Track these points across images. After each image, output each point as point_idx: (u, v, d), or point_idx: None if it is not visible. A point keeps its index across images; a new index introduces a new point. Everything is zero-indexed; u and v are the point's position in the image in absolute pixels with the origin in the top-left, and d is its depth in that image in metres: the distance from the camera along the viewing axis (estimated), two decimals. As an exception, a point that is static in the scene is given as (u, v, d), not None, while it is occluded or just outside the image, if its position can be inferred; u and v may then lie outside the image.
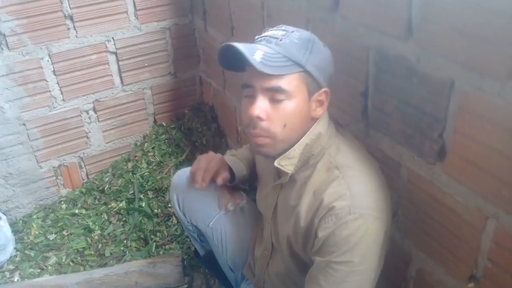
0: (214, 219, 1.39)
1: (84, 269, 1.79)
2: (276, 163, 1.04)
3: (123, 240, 1.88)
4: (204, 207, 1.39)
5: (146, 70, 2.13)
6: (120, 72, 2.06)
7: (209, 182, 1.30)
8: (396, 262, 1.25)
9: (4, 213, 1.96)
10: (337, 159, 1.01)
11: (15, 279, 1.79)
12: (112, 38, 1.97)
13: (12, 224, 1.98)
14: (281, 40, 0.96)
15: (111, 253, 1.83)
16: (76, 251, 1.87)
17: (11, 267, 1.84)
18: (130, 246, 1.86)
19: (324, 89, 1.01)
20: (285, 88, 0.95)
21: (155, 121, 2.28)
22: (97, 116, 2.09)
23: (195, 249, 1.58)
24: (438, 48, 0.94)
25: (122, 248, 1.85)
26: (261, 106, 0.97)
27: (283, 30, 1.00)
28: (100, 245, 1.88)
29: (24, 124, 1.92)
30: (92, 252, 1.86)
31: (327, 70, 1.01)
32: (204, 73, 2.24)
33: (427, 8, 0.94)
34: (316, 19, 1.28)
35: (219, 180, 1.28)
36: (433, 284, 1.16)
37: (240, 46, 0.93)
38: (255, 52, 0.93)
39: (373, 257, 0.97)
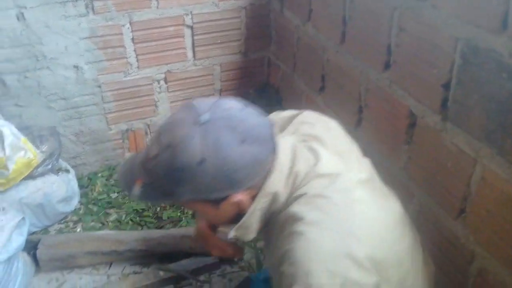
0: None
1: (142, 229, 1.87)
2: (231, 234, 0.93)
3: (180, 207, 1.95)
4: None
5: (218, 47, 2.17)
6: (193, 46, 2.11)
7: None
8: (458, 260, 1.24)
9: (72, 168, 2.07)
10: (300, 213, 0.85)
11: (78, 230, 1.90)
12: (191, 12, 2.02)
13: (78, 180, 2.09)
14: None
15: (168, 217, 1.91)
16: (135, 211, 1.96)
17: (75, 218, 1.96)
18: (187, 213, 1.93)
19: (228, 198, 0.87)
20: (192, 209, 1.00)
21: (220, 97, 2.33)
22: (167, 87, 2.16)
23: None
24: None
25: (179, 214, 1.92)
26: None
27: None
28: (158, 208, 1.96)
29: (99, 87, 2.02)
30: (151, 214, 1.94)
31: (215, 189, 0.85)
32: (273, 55, 2.26)
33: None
34: (404, 7, 1.27)
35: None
36: (494, 284, 1.14)
37: (122, 179, 0.97)
38: (134, 185, 0.90)
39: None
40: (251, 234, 0.93)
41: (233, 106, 0.90)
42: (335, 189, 0.89)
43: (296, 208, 0.87)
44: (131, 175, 0.92)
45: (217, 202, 0.88)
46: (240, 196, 0.87)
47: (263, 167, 0.87)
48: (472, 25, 1.06)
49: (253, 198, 0.89)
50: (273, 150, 0.89)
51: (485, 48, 1.04)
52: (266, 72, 2.37)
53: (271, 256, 0.93)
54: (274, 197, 0.89)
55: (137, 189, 0.89)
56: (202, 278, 1.67)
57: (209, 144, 0.83)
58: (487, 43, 1.03)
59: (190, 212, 1.93)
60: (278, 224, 0.90)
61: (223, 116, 0.86)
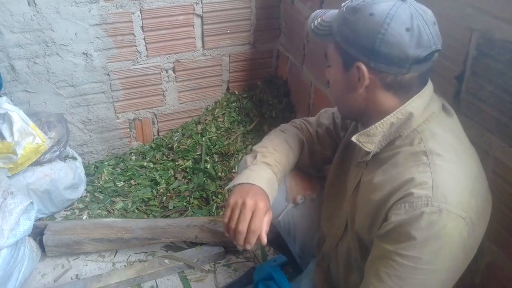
0: (283, 212, 1.35)
1: (148, 218, 1.88)
2: (354, 138, 1.01)
3: (186, 197, 1.95)
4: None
5: (227, 37, 2.17)
6: (203, 36, 2.10)
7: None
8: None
9: (79, 156, 2.07)
10: (429, 144, 0.92)
11: (84, 217, 1.90)
12: (201, 1, 2.01)
13: (85, 168, 2.09)
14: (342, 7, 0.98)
15: (174, 207, 1.91)
16: (141, 200, 1.96)
17: (81, 206, 1.96)
18: (192, 203, 1.93)
19: (356, 63, 0.94)
20: (328, 54, 1.01)
21: (228, 89, 2.32)
22: (175, 76, 2.16)
23: None
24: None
25: (184, 204, 1.92)
26: (327, 69, 1.05)
27: None
28: (164, 198, 1.96)
29: (108, 74, 2.02)
30: (157, 203, 1.94)
31: (361, 42, 0.92)
32: (282, 47, 2.25)
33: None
34: (418, -3, 1.25)
35: (263, 237, 1.06)
36: (503, 279, 1.13)
37: (316, 13, 1.05)
38: (318, 19, 1.02)
39: (448, 259, 0.88)
40: (370, 145, 0.99)
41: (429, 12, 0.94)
42: (462, 134, 0.99)
43: (432, 144, 0.92)
44: (322, 12, 1.04)
45: (349, 64, 0.95)
46: (365, 71, 0.93)
47: (403, 67, 0.91)
48: (489, 16, 1.05)
49: (369, 92, 0.97)
50: (420, 71, 0.94)
51: (500, 39, 1.02)
52: (274, 64, 2.36)
53: (380, 178, 0.97)
54: (409, 118, 0.95)
55: (315, 23, 1.02)
56: (207, 267, 1.67)
57: (390, 12, 0.89)
58: (503, 34, 1.02)
59: (196, 202, 1.92)
60: (404, 150, 0.95)
61: (419, 7, 0.92)
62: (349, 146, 1.19)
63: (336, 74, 1.00)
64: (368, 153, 1.02)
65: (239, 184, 1.12)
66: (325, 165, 1.42)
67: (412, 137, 0.96)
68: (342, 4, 0.98)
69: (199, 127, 2.24)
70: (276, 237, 1.47)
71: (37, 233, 1.70)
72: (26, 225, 1.50)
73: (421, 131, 0.95)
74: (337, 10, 1.00)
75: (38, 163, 1.81)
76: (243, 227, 1.03)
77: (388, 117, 0.97)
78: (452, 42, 1.15)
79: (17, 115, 1.76)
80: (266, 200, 1.08)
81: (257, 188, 1.10)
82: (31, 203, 1.54)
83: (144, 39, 2.01)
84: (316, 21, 1.02)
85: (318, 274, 1.28)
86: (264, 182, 1.12)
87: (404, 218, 0.88)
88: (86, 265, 1.69)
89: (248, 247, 1.05)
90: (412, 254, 0.87)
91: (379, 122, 0.98)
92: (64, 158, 1.96)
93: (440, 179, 0.88)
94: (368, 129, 0.99)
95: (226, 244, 1.72)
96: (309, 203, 1.35)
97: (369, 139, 0.99)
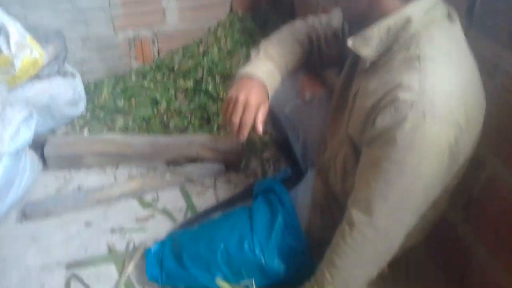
0: (290, 105, 1.37)
1: (149, 135, 1.87)
2: (349, 43, 0.96)
3: (187, 116, 1.94)
4: (283, 91, 1.34)
5: (233, -48, 2.07)
6: (206, -51, 2.01)
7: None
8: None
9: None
10: (424, 49, 0.89)
11: (85, 133, 1.90)
12: None
13: (84, 86, 2.05)
14: None
15: (175, 126, 1.90)
16: (142, 118, 1.95)
17: (81, 122, 1.95)
18: (193, 122, 1.92)
19: None
20: None
21: (231, 9, 2.25)
22: (176, -7, 2.08)
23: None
24: None
25: (185, 123, 1.91)
26: None
27: None
28: (165, 116, 1.95)
29: (106, -12, 1.95)
30: (157, 122, 1.93)
31: None
32: (289, -36, 2.15)
33: None
34: None
35: (258, 126, 1.09)
36: (503, 192, 1.14)
37: None
38: None
39: (433, 164, 0.88)
40: (366, 48, 0.95)
41: None
42: (463, 43, 0.95)
43: (427, 49, 0.89)
44: None
45: None
46: None
47: None
48: None
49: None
50: None
51: None
52: (280, -17, 2.27)
53: (372, 82, 0.95)
54: (407, 22, 0.91)
55: None
56: (207, 182, 1.69)
57: None
58: None
59: (197, 122, 1.91)
60: (398, 56, 0.92)
61: None
62: (354, 61, 1.16)
63: None
64: (366, 61, 0.99)
65: (240, 78, 1.14)
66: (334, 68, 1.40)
67: (409, 43, 0.91)
68: None
69: (201, 48, 2.18)
70: (285, 141, 1.53)
71: (38, 147, 1.70)
72: (26, 134, 1.50)
73: (419, 36, 0.91)
74: None
75: (37, 77, 1.78)
76: (235, 120, 1.09)
77: (385, 20, 0.93)
78: None
79: (14, 28, 1.70)
80: (260, 93, 1.11)
81: (255, 81, 1.12)
82: (31, 113, 1.53)
83: (144, -50, 1.92)
84: None
85: (318, 181, 1.29)
86: (263, 73, 1.14)
87: (389, 123, 0.87)
88: (88, 177, 1.70)
89: (242, 138, 1.10)
90: (397, 158, 0.87)
91: (375, 24, 0.93)
92: (63, 74, 1.92)
93: (428, 83, 0.85)
94: (363, 31, 0.95)
95: (227, 161, 1.73)
96: (317, 102, 1.36)
97: (364, 43, 0.95)
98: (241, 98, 1.09)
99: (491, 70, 1.10)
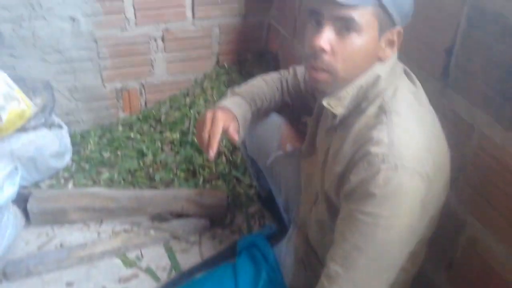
0: (272, 158, 1.40)
1: (134, 189, 1.86)
2: (325, 102, 0.99)
3: (173, 169, 1.94)
4: (265, 143, 1.40)
5: (218, 8, 2.13)
6: (193, 5, 2.06)
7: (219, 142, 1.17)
8: (447, 227, 1.24)
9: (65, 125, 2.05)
10: (389, 104, 0.94)
11: (69, 187, 1.89)
12: (192, -31, 1.97)
13: (71, 137, 2.06)
14: None
15: (160, 179, 1.90)
16: (128, 171, 1.94)
17: (66, 175, 1.94)
18: (179, 175, 1.92)
19: (397, 28, 0.93)
20: (357, 20, 0.87)
21: (217, 61, 2.29)
22: (164, 46, 2.12)
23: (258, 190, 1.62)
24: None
25: (171, 176, 1.91)
26: (326, 37, 0.90)
27: None
28: (151, 169, 1.95)
29: (95, 41, 1.98)
30: (143, 175, 1.93)
31: (404, 6, 0.92)
32: (274, 20, 2.22)
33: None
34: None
35: (232, 134, 1.17)
36: (482, 253, 1.15)
37: None
38: None
39: (406, 214, 0.89)
40: (339, 108, 0.99)
41: None
42: (423, 98, 1.01)
43: (392, 104, 0.94)
44: None
45: (386, 28, 0.92)
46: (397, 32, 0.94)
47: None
48: (480, -13, 1.03)
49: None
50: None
51: (492, 11, 1.01)
52: (265, 38, 2.33)
53: (344, 141, 0.99)
54: (376, 80, 0.96)
55: None
56: (192, 239, 1.67)
57: None
58: (494, 6, 1.01)
59: (182, 175, 1.91)
60: (367, 113, 0.96)
61: None
62: (320, 110, 1.22)
63: (367, 40, 0.91)
64: (335, 118, 1.03)
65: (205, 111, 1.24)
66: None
67: (375, 99, 0.97)
68: None
69: (188, 99, 2.21)
70: (269, 195, 1.57)
71: (22, 201, 1.68)
72: (10, 190, 1.49)
73: (384, 92, 0.96)
74: None
75: (23, 129, 1.78)
76: (205, 134, 1.16)
77: (357, 80, 0.96)
78: (443, 15, 1.14)
79: (2, 80, 1.72)
80: (226, 112, 1.19)
81: (220, 108, 1.21)
82: (15, 168, 1.53)
83: (133, 6, 1.96)
84: None
85: (299, 237, 1.30)
86: (228, 102, 1.24)
87: (363, 176, 0.89)
88: (71, 234, 1.68)
89: (211, 153, 1.14)
90: (372, 210, 0.89)
91: (350, 85, 0.97)
92: (50, 126, 1.93)
93: (396, 136, 0.89)
94: (338, 92, 0.98)
95: (212, 217, 1.72)
96: (298, 155, 1.38)
97: (339, 103, 0.98)
98: (208, 115, 1.17)
99: (468, 130, 1.14)
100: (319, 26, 0.92)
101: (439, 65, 1.18)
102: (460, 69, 1.13)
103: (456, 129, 1.16)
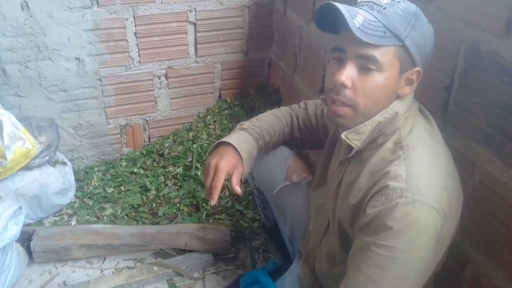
0: (278, 188, 1.42)
1: (137, 224, 1.87)
2: (343, 135, 1.02)
3: (176, 204, 1.95)
4: (272, 174, 1.41)
5: (220, 45, 2.18)
6: (196, 43, 2.11)
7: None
8: (452, 263, 1.23)
9: (69, 161, 2.06)
10: (406, 140, 0.97)
11: (72, 223, 1.89)
12: (194, 8, 2.02)
13: (75, 173, 2.08)
14: (385, 8, 0.92)
15: (163, 213, 1.90)
16: (131, 206, 1.95)
17: (69, 211, 1.95)
18: (182, 210, 1.92)
19: (417, 68, 0.97)
20: (378, 58, 0.91)
21: (220, 96, 2.33)
22: (167, 83, 2.16)
23: (263, 221, 1.62)
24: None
25: (174, 211, 1.91)
26: (348, 73, 0.94)
27: None
28: (154, 204, 1.95)
29: (100, 80, 2.02)
30: (146, 210, 1.93)
31: (425, 48, 0.96)
32: (275, 55, 2.26)
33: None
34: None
35: (234, 187, 1.19)
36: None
37: (342, 7, 0.90)
38: (356, 16, 0.90)
39: (423, 248, 0.91)
40: (357, 142, 1.02)
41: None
42: (439, 136, 1.04)
43: (409, 140, 0.97)
44: (353, 10, 0.93)
45: (407, 68, 0.96)
46: (417, 72, 0.98)
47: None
48: (477, 29, 1.07)
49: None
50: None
51: (488, 51, 1.04)
52: (266, 73, 2.37)
53: (359, 174, 1.01)
54: (394, 117, 0.98)
55: (359, 20, 0.90)
56: (196, 275, 1.67)
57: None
58: (490, 46, 1.04)
59: (186, 209, 1.92)
60: (383, 147, 0.99)
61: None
62: (333, 142, 1.25)
63: (388, 78, 0.94)
64: (350, 150, 1.05)
65: (214, 147, 1.29)
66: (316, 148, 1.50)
67: (392, 135, 1.00)
68: (360, 0, 0.97)
69: (190, 134, 2.24)
70: (274, 226, 1.59)
71: (25, 239, 1.68)
72: (14, 230, 1.49)
73: (401, 127, 1.00)
74: (372, 9, 0.93)
75: (27, 167, 1.80)
76: (207, 184, 1.21)
77: (377, 116, 0.99)
78: (441, 54, 1.17)
79: (8, 119, 1.74)
80: (231, 156, 1.22)
81: (227, 148, 1.24)
82: (20, 208, 1.53)
83: (137, 45, 2.01)
84: (356, 19, 0.90)
85: (305, 269, 1.29)
86: (234, 139, 1.26)
87: (380, 210, 0.91)
88: (74, 271, 1.67)
89: (212, 201, 1.19)
90: (388, 244, 0.90)
91: (369, 121, 1.00)
92: (54, 163, 1.95)
93: (414, 172, 0.92)
94: (358, 127, 1.00)
95: (216, 252, 1.71)
96: (305, 186, 1.41)
97: (357, 137, 1.02)
98: (212, 163, 1.20)
99: (469, 166, 1.15)
100: (341, 62, 0.96)
101: (438, 102, 1.21)
102: (459, 107, 1.16)
103: (457, 165, 1.17)
